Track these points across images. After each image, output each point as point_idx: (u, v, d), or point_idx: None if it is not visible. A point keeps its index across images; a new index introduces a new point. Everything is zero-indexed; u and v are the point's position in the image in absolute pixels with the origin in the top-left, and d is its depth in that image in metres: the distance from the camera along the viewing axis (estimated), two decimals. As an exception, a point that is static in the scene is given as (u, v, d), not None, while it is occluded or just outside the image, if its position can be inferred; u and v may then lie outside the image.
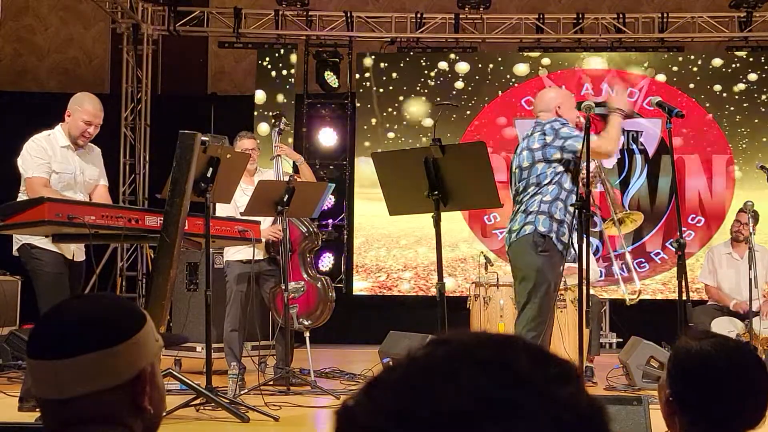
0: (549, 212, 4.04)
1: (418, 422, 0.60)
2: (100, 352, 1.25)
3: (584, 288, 3.74)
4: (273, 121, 5.86)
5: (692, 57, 9.26)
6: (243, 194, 5.33)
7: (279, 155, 5.77)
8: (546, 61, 9.27)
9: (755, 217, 6.00)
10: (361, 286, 9.26)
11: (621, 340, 8.26)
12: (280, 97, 9.34)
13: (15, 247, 4.66)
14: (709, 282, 6.64)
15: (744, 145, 9.08)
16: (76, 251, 4.70)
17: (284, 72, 9.45)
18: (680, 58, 9.25)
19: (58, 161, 4.66)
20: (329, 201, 8.97)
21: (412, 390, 0.62)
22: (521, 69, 9.26)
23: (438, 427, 0.59)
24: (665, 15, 9.19)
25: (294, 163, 6.02)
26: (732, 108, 9.12)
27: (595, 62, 9.27)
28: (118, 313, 1.31)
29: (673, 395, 1.60)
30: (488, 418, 0.60)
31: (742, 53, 9.22)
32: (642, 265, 9.02)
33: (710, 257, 6.69)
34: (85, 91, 4.97)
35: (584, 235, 3.77)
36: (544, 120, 4.16)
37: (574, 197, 3.97)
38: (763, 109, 9.09)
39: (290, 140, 8.93)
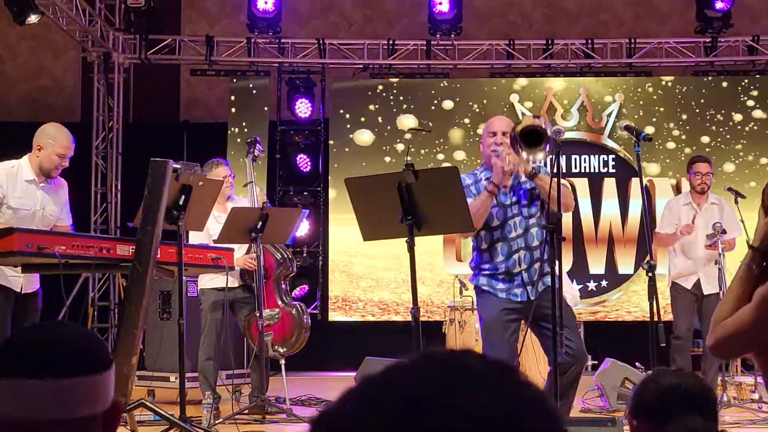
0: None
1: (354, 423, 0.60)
2: (93, 377, 1.23)
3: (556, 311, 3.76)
4: (247, 147, 5.84)
5: (660, 81, 9.41)
6: (216, 222, 5.30)
7: (252, 182, 5.76)
8: (517, 86, 9.37)
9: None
10: (336, 312, 9.23)
11: (596, 362, 8.29)
12: (253, 124, 9.33)
13: None
14: (668, 230, 6.29)
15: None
16: (24, 283, 4.57)
17: (257, 99, 9.47)
18: (648, 83, 9.39)
19: (17, 196, 4.54)
20: (305, 227, 8.95)
21: (354, 393, 0.62)
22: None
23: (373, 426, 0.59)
24: (633, 40, 9.34)
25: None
26: (699, 131, 9.25)
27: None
28: (98, 342, 1.32)
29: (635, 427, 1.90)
30: (422, 416, 0.59)
31: (708, 77, 9.39)
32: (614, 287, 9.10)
33: (670, 208, 6.45)
34: (55, 121, 4.89)
35: (556, 259, 3.80)
36: None
37: (496, 248, 4.12)
38: (729, 133, 9.24)
39: (264, 167, 8.93)
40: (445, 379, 0.61)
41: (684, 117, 9.27)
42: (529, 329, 4.18)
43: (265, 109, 9.47)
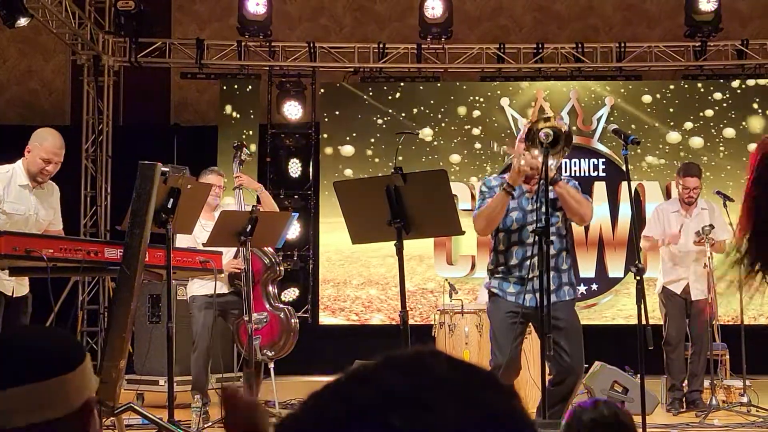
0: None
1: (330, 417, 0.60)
2: (53, 380, 1.25)
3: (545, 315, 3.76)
4: (234, 151, 5.84)
5: (650, 85, 9.44)
6: (203, 230, 5.27)
7: (240, 185, 5.75)
8: (507, 89, 9.38)
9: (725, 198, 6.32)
10: (326, 315, 9.22)
11: (585, 365, 8.29)
12: (244, 128, 9.32)
13: None
14: (655, 236, 6.33)
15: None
16: (15, 286, 4.55)
17: (248, 102, 9.45)
18: (638, 86, 9.41)
19: (10, 200, 4.51)
20: (295, 231, 8.94)
21: (328, 389, 0.62)
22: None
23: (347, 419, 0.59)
24: (623, 44, 9.36)
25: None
26: (688, 135, 9.28)
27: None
28: (65, 343, 1.33)
29: None
30: (393, 410, 0.59)
31: (697, 81, 9.42)
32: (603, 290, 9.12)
33: (658, 215, 6.46)
34: (47, 125, 4.86)
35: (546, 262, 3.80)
36: None
37: (511, 251, 4.18)
38: (718, 136, 9.26)
39: (254, 171, 8.91)
40: (402, 385, 0.61)
41: (674, 121, 9.29)
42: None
43: (256, 112, 9.45)
